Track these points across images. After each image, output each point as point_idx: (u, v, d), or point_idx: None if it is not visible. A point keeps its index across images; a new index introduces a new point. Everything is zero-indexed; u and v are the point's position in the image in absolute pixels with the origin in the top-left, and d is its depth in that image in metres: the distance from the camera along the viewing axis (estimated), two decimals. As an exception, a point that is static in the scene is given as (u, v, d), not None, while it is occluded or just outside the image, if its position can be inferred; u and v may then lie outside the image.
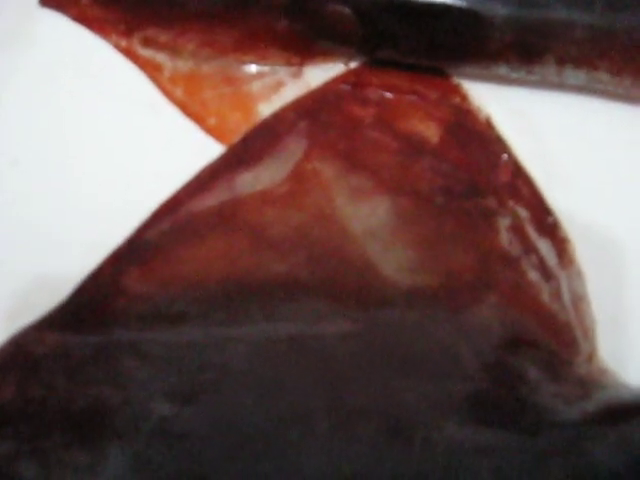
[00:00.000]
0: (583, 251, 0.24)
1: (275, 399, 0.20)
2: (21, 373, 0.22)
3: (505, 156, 0.25)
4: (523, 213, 0.25)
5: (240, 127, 0.25)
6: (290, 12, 0.25)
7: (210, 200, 0.24)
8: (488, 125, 0.26)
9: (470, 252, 0.24)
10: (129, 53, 0.26)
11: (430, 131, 0.25)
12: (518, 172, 0.25)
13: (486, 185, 0.25)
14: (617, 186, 0.25)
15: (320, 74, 0.26)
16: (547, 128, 0.26)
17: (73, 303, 0.23)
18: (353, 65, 0.26)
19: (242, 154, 0.25)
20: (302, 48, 0.26)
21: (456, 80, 0.26)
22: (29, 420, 0.20)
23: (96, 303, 0.23)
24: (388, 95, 0.26)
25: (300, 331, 0.22)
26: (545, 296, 0.23)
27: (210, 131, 0.25)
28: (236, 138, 0.25)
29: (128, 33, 0.26)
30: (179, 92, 0.26)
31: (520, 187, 0.25)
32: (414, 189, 0.24)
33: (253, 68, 0.26)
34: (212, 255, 0.23)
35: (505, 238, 0.24)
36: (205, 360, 0.21)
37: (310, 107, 0.26)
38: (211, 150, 0.25)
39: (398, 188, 0.24)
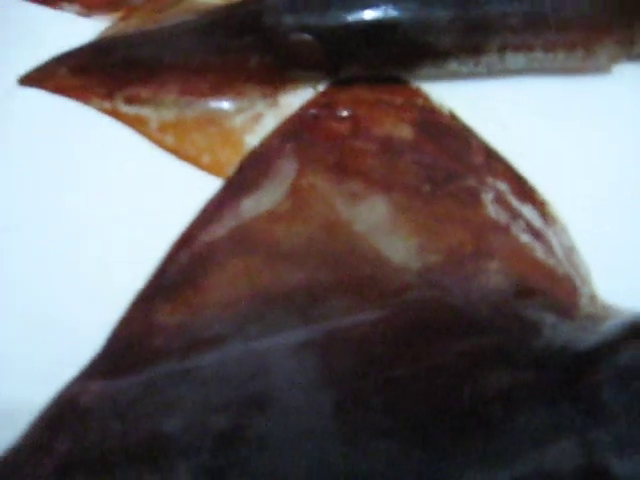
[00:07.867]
0: (562, 209, 0.27)
1: (325, 390, 0.21)
2: (73, 426, 0.22)
3: (474, 141, 0.28)
4: (502, 186, 0.27)
5: (232, 160, 0.27)
6: (259, 48, 0.27)
7: (220, 229, 0.26)
8: (452, 117, 0.29)
9: (464, 227, 0.26)
10: (114, 113, 0.28)
11: (404, 131, 0.28)
12: (489, 152, 0.28)
13: (464, 168, 0.27)
14: (577, 144, 0.28)
15: (294, 100, 0.28)
16: (503, 111, 0.29)
17: (110, 350, 0.24)
18: (322, 87, 0.29)
19: (240, 183, 0.27)
20: (274, 79, 0.28)
21: (415, 84, 0.29)
22: (90, 466, 0.21)
23: (133, 345, 0.24)
24: (358, 108, 0.28)
25: (333, 327, 0.23)
26: (540, 254, 0.26)
27: (206, 168, 0.27)
28: (231, 170, 0.27)
29: (110, 95, 0.28)
30: (169, 139, 0.28)
31: (494, 164, 0.28)
32: (403, 183, 0.27)
33: (233, 105, 0.28)
34: (234, 277, 0.25)
35: (492, 210, 0.27)
36: (250, 371, 0.22)
37: (292, 130, 0.28)
38: (211, 185, 0.27)
39: (389, 185, 0.27)
